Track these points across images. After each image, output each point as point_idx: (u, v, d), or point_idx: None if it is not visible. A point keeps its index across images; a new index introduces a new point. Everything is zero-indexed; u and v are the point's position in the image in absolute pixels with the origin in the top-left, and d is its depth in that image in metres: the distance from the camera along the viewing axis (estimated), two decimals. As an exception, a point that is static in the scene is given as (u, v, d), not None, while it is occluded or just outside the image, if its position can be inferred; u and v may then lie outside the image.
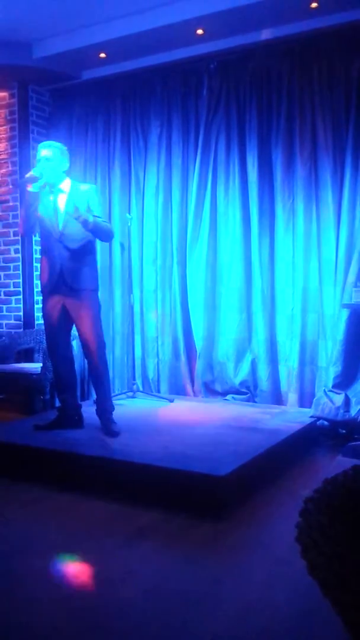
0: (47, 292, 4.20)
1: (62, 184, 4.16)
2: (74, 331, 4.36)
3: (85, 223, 3.89)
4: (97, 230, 4.05)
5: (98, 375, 4.26)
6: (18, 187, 4.04)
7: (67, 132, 5.90)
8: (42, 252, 4.29)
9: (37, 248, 5.86)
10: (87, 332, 4.14)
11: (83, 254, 4.14)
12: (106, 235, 4.27)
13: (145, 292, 5.53)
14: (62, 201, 4.13)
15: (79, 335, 4.24)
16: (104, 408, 4.22)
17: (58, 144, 4.24)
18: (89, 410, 4.44)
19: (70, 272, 4.09)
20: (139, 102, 5.52)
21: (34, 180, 3.94)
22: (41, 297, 4.34)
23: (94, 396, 5.52)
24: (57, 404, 4.47)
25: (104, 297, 5.71)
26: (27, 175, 3.97)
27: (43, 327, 5.55)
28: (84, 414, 4.33)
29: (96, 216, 4.04)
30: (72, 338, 4.55)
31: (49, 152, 4.11)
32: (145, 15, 4.71)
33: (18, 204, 5.71)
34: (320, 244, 4.81)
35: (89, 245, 4.19)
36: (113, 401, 4.35)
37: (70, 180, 4.23)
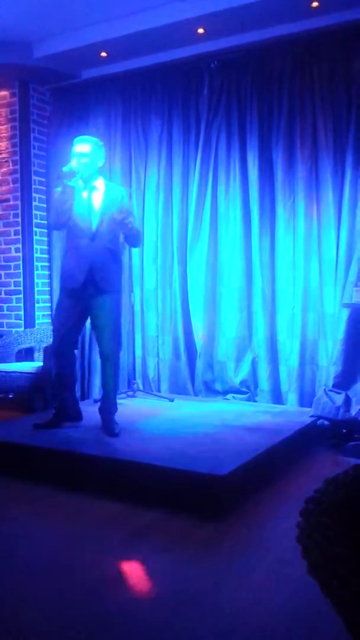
0: (69, 290, 4.08)
1: (96, 182, 4.09)
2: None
3: (131, 227, 3.96)
4: (135, 235, 4.10)
5: (109, 375, 4.19)
6: (53, 181, 4.04)
7: (68, 131, 5.88)
8: (69, 249, 4.13)
9: (38, 247, 5.87)
10: (107, 333, 4.08)
11: (113, 254, 4.09)
12: (138, 240, 4.30)
13: (145, 292, 5.53)
14: (96, 199, 4.04)
15: (97, 335, 4.18)
16: (108, 408, 4.18)
17: (95, 139, 4.16)
18: (89, 409, 4.44)
19: (100, 272, 4.00)
20: (140, 101, 5.52)
21: (72, 175, 3.86)
22: (59, 294, 4.24)
23: (95, 395, 5.56)
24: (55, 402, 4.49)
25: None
26: (65, 168, 3.88)
27: (50, 325, 5.56)
28: (84, 413, 4.33)
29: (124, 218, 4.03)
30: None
31: (85, 147, 4.03)
32: (146, 14, 4.70)
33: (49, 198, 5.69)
34: (321, 243, 4.81)
35: (118, 246, 4.16)
36: (117, 402, 4.30)
37: (103, 178, 4.17)
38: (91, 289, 4.01)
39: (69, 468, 3.69)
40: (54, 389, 4.27)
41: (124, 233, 4.06)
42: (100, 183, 4.10)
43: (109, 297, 4.06)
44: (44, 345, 5.35)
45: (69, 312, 4.09)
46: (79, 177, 3.93)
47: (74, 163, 3.93)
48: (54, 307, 4.32)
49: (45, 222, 5.95)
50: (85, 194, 4.02)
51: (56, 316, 4.21)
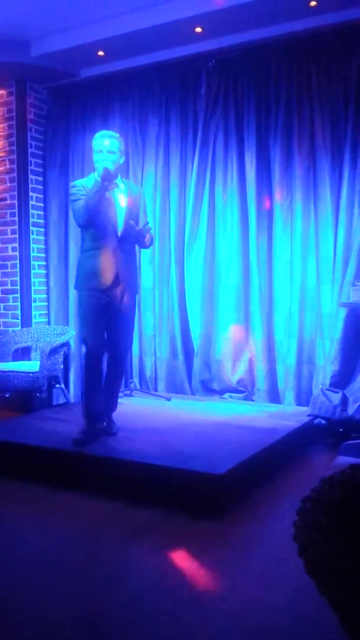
0: (95, 290, 3.89)
1: (118, 180, 3.98)
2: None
3: (149, 237, 3.95)
4: (144, 235, 3.97)
5: (116, 375, 4.15)
6: (98, 182, 3.73)
7: (65, 130, 5.89)
8: (93, 249, 3.92)
9: (35, 246, 5.86)
10: (123, 334, 4.03)
11: (134, 255, 4.07)
12: (151, 243, 4.21)
13: (143, 291, 5.52)
14: (121, 198, 3.95)
15: (110, 334, 4.00)
16: (109, 406, 4.14)
17: (117, 134, 4.03)
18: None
19: (125, 273, 3.93)
20: (137, 100, 5.51)
21: (109, 175, 3.77)
22: (80, 296, 4.02)
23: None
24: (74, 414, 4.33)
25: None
26: (104, 172, 3.74)
27: (46, 325, 5.55)
28: (78, 413, 4.31)
29: (147, 222, 4.01)
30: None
31: (111, 144, 3.88)
32: (144, 13, 4.69)
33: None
34: (319, 242, 4.82)
35: (135, 247, 4.13)
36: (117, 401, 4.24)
37: (120, 175, 4.05)
38: (116, 289, 3.90)
39: (67, 467, 3.69)
40: (85, 396, 4.03)
41: (143, 238, 3.97)
42: (119, 181, 4.01)
43: (132, 299, 4.04)
44: (41, 345, 5.34)
45: (98, 311, 3.91)
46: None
47: (107, 164, 3.80)
48: (76, 310, 4.23)
49: (43, 221, 5.95)
50: (108, 194, 3.87)
51: (87, 319, 3.96)
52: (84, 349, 4.09)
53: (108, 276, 3.87)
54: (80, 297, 4.01)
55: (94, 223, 3.85)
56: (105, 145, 3.86)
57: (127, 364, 5.57)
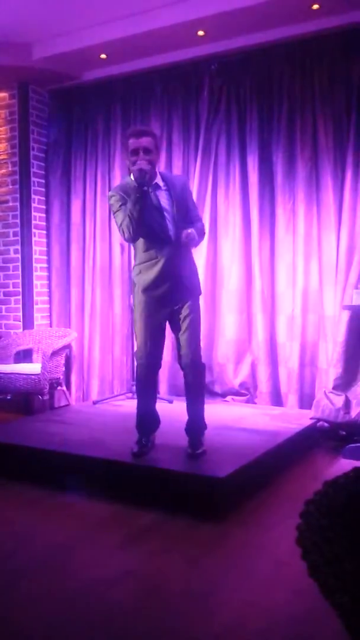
0: (153, 298, 3.60)
1: (156, 179, 3.56)
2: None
3: (194, 242, 3.53)
4: (199, 241, 3.66)
5: (195, 389, 3.74)
6: (133, 187, 3.36)
7: (67, 132, 5.90)
8: (147, 261, 3.58)
9: (37, 248, 5.87)
10: (192, 342, 3.65)
11: (191, 256, 3.71)
12: (202, 238, 3.77)
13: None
14: (163, 198, 3.55)
15: (181, 347, 3.69)
16: (197, 426, 3.74)
17: (151, 129, 3.73)
18: (86, 410, 4.44)
19: (185, 279, 3.60)
20: (139, 103, 5.52)
21: (144, 177, 3.35)
22: (141, 309, 3.65)
23: (94, 397, 5.56)
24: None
25: (103, 298, 5.73)
26: (140, 176, 3.34)
27: (49, 327, 5.55)
28: (83, 415, 4.32)
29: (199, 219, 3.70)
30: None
31: (147, 142, 3.45)
32: (146, 16, 4.70)
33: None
34: (321, 245, 4.81)
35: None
36: (204, 420, 3.79)
37: (158, 172, 3.63)
38: (177, 295, 3.59)
39: (67, 470, 3.68)
40: (137, 407, 3.79)
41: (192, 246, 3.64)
42: (159, 178, 3.58)
43: (194, 303, 3.67)
44: (42, 347, 5.34)
45: (155, 324, 3.64)
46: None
47: (143, 165, 3.36)
48: (133, 324, 3.81)
49: (45, 223, 5.95)
50: (152, 196, 3.50)
51: (142, 333, 3.66)
52: (136, 362, 3.82)
53: (167, 285, 3.55)
54: (137, 311, 3.69)
55: (140, 233, 3.50)
56: (141, 144, 3.44)
57: (128, 367, 5.58)
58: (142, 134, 3.47)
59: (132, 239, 3.57)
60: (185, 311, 3.62)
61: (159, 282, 3.56)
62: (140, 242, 3.58)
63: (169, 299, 3.60)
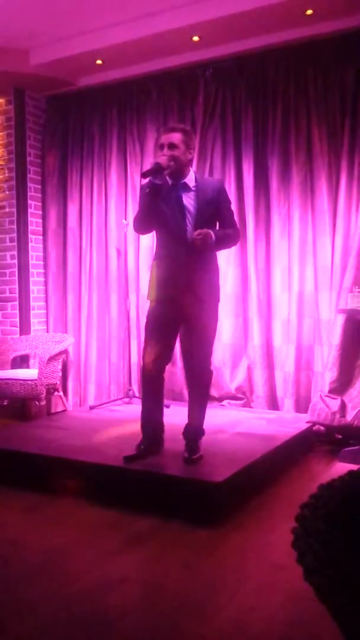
0: (165, 297, 3.56)
1: (187, 178, 3.52)
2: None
3: (209, 247, 3.45)
4: (222, 245, 3.59)
5: (198, 395, 3.72)
6: (145, 182, 3.35)
7: (63, 138, 5.92)
8: (161, 258, 3.58)
9: (33, 254, 5.88)
10: (198, 349, 3.59)
11: (210, 261, 3.59)
12: (232, 244, 3.74)
13: (141, 298, 5.53)
14: (189, 201, 3.50)
15: (187, 351, 3.71)
16: (195, 432, 3.71)
17: (183, 126, 3.64)
18: (81, 416, 4.44)
19: (197, 281, 3.51)
20: (135, 108, 5.54)
21: (159, 171, 3.30)
22: (152, 306, 3.65)
23: (90, 402, 5.56)
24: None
25: (99, 303, 5.74)
26: (153, 165, 3.34)
27: (45, 333, 5.55)
28: (79, 421, 4.31)
29: (225, 227, 3.60)
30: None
31: (174, 137, 3.43)
32: (142, 22, 4.73)
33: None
34: (316, 249, 4.83)
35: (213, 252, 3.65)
36: (202, 424, 3.76)
37: (192, 172, 3.60)
38: (187, 299, 3.52)
39: (65, 475, 3.68)
40: (141, 410, 3.74)
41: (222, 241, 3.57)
42: (191, 179, 3.53)
43: (208, 308, 3.59)
44: (39, 352, 5.34)
45: (163, 323, 3.58)
46: (167, 174, 3.40)
47: (161, 159, 3.36)
48: (146, 317, 3.73)
49: (41, 229, 5.98)
50: (176, 194, 3.48)
51: (148, 331, 3.64)
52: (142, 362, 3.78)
53: (176, 286, 3.50)
54: (149, 307, 3.68)
55: (147, 228, 3.59)
56: (169, 139, 3.43)
57: (124, 371, 5.59)
58: (172, 130, 3.49)
59: (137, 230, 3.61)
60: (194, 317, 3.55)
61: (169, 282, 3.53)
62: (159, 237, 3.59)
63: (178, 300, 3.53)
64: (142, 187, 3.47)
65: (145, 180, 3.41)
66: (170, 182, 3.49)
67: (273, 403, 5.05)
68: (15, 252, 5.80)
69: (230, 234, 3.63)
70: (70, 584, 2.53)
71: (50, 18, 4.73)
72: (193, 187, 3.52)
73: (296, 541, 1.15)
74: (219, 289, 3.69)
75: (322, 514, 1.21)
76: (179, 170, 3.46)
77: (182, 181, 3.50)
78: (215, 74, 5.16)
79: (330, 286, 4.73)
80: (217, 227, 3.62)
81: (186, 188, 3.51)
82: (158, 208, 3.42)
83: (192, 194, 3.51)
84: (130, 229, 5.39)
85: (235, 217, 4.99)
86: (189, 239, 3.45)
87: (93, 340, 5.74)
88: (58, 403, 5.70)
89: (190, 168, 3.59)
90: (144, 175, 3.37)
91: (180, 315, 3.58)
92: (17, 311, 5.81)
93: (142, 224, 3.54)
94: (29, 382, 5.08)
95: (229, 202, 3.70)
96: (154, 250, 3.74)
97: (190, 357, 3.67)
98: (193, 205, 3.49)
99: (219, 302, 3.70)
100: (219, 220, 3.62)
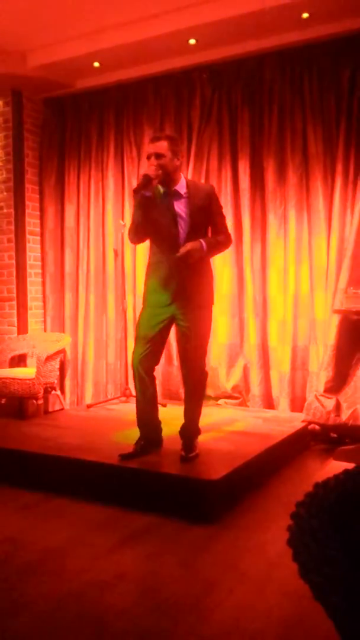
0: (156, 302, 3.61)
1: (178, 185, 3.53)
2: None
3: (199, 258, 3.47)
4: (214, 251, 3.62)
5: (192, 396, 3.74)
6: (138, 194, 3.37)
7: (61, 140, 5.94)
8: (153, 264, 3.65)
9: (31, 254, 5.90)
10: (192, 352, 3.62)
11: (202, 264, 3.58)
12: (224, 249, 3.76)
13: (138, 298, 5.56)
14: (181, 207, 3.51)
15: (182, 354, 3.74)
16: (191, 431, 3.75)
17: (166, 133, 3.69)
18: (81, 414, 4.45)
19: (189, 287, 3.53)
20: (132, 110, 5.56)
21: (147, 183, 3.33)
22: (144, 309, 3.70)
23: (87, 400, 5.58)
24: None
25: (97, 303, 5.76)
26: (141, 179, 3.37)
27: (42, 332, 5.56)
28: (77, 419, 4.33)
29: (216, 235, 3.62)
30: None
31: (160, 146, 3.44)
32: (139, 25, 4.75)
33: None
34: (312, 250, 4.88)
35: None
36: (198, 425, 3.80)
37: (183, 178, 3.59)
38: (178, 304, 3.56)
39: (62, 473, 3.71)
40: (139, 412, 3.77)
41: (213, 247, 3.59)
42: (182, 185, 3.54)
43: (199, 313, 3.60)
44: (37, 352, 5.37)
45: (151, 325, 3.61)
46: (156, 184, 3.43)
47: (149, 170, 3.40)
48: (138, 318, 3.80)
49: (39, 229, 6.00)
50: (166, 201, 3.51)
51: (137, 331, 3.70)
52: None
53: (169, 291, 3.56)
54: (141, 309, 3.75)
55: (141, 239, 3.64)
56: (154, 149, 3.46)
57: (121, 371, 5.61)
58: (157, 139, 3.50)
59: (132, 240, 3.68)
60: (187, 321, 3.58)
61: (161, 287, 3.58)
62: (153, 244, 3.63)
63: (170, 305, 3.58)
64: (134, 200, 3.50)
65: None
66: (162, 190, 3.51)
67: (269, 402, 5.09)
68: (13, 253, 5.82)
69: (221, 240, 3.66)
70: (68, 582, 2.55)
71: (48, 20, 4.74)
72: (184, 193, 3.53)
73: (291, 539, 1.15)
74: (213, 293, 3.72)
75: (317, 512, 1.22)
76: (169, 177, 3.48)
77: (173, 188, 3.52)
78: (211, 76, 5.19)
79: (326, 286, 4.77)
80: (210, 233, 3.66)
81: (177, 195, 3.53)
82: (151, 217, 3.46)
83: (183, 201, 3.52)
84: (127, 230, 5.46)
85: (231, 218, 5.11)
86: (181, 245, 3.47)
87: (90, 340, 5.77)
88: (55, 402, 5.73)
89: (181, 174, 3.60)
90: (135, 191, 3.38)
91: (172, 319, 3.63)
92: (15, 311, 5.83)
93: (137, 236, 3.60)
94: (27, 381, 5.10)
95: (221, 208, 3.72)
96: (148, 256, 3.77)
97: (185, 360, 3.71)
98: (185, 212, 3.51)
99: (213, 305, 3.72)
100: (210, 226, 3.65)
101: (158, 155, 3.43)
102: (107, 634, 2.17)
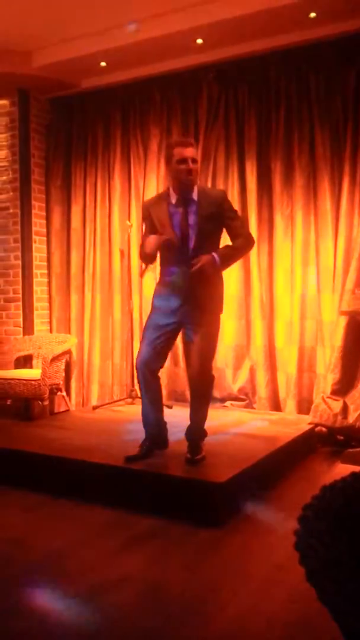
0: (166, 311, 3.60)
1: (194, 192, 3.54)
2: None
3: (214, 271, 3.49)
4: (232, 260, 3.65)
5: (198, 398, 3.72)
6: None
7: (67, 140, 5.94)
8: (164, 275, 3.67)
9: (37, 255, 5.90)
10: (199, 355, 3.59)
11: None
12: (245, 252, 3.84)
13: (144, 299, 5.55)
14: (191, 215, 3.51)
15: (189, 358, 3.70)
16: (197, 433, 3.73)
17: (192, 140, 3.72)
18: (87, 415, 4.44)
19: (198, 292, 3.52)
20: (139, 110, 5.56)
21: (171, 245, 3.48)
22: (152, 312, 3.70)
23: (93, 402, 5.58)
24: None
25: (103, 304, 5.75)
26: (165, 242, 3.48)
27: (49, 333, 5.57)
28: (83, 420, 4.32)
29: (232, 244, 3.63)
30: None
31: (193, 152, 3.47)
32: (145, 24, 4.73)
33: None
34: (319, 251, 4.85)
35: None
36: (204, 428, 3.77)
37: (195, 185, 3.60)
38: (186, 309, 3.56)
39: (67, 475, 3.70)
40: (144, 413, 3.77)
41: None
42: (195, 192, 3.54)
43: (207, 318, 3.60)
44: (43, 353, 5.36)
45: (158, 328, 3.61)
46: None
47: (170, 237, 3.49)
48: (144, 322, 3.83)
49: (45, 229, 6.00)
50: (180, 209, 3.52)
51: (144, 332, 3.71)
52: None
53: (177, 296, 3.56)
54: (149, 312, 3.75)
55: (151, 261, 3.71)
56: (190, 153, 3.45)
57: (127, 372, 5.60)
58: (189, 144, 3.50)
59: (144, 262, 3.78)
60: (195, 325, 3.58)
61: (171, 294, 3.59)
62: (163, 251, 3.62)
63: (178, 312, 3.58)
64: (156, 241, 3.54)
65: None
66: (175, 198, 3.54)
67: (275, 404, 5.06)
68: (19, 253, 5.82)
69: (239, 246, 3.64)
70: (73, 583, 2.54)
71: (54, 20, 4.74)
72: (195, 200, 3.53)
73: (298, 542, 1.15)
74: (222, 300, 3.70)
75: (325, 515, 1.21)
76: (192, 184, 3.50)
77: (190, 196, 3.51)
78: (218, 76, 5.18)
79: (333, 288, 4.75)
80: (221, 244, 3.67)
81: (191, 202, 3.52)
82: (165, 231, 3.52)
83: (193, 208, 3.52)
84: (134, 230, 5.46)
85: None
86: (191, 252, 3.49)
87: (96, 341, 5.76)
88: (61, 403, 5.72)
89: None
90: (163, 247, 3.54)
91: (180, 324, 3.64)
92: (21, 311, 5.83)
93: (149, 259, 3.69)
94: (32, 382, 5.10)
95: (234, 212, 3.69)
96: (159, 262, 3.78)
97: (191, 364, 3.71)
98: (193, 220, 3.51)
99: (222, 313, 3.71)
100: (227, 233, 3.64)
101: (194, 160, 3.46)
102: (112, 636, 2.15)
